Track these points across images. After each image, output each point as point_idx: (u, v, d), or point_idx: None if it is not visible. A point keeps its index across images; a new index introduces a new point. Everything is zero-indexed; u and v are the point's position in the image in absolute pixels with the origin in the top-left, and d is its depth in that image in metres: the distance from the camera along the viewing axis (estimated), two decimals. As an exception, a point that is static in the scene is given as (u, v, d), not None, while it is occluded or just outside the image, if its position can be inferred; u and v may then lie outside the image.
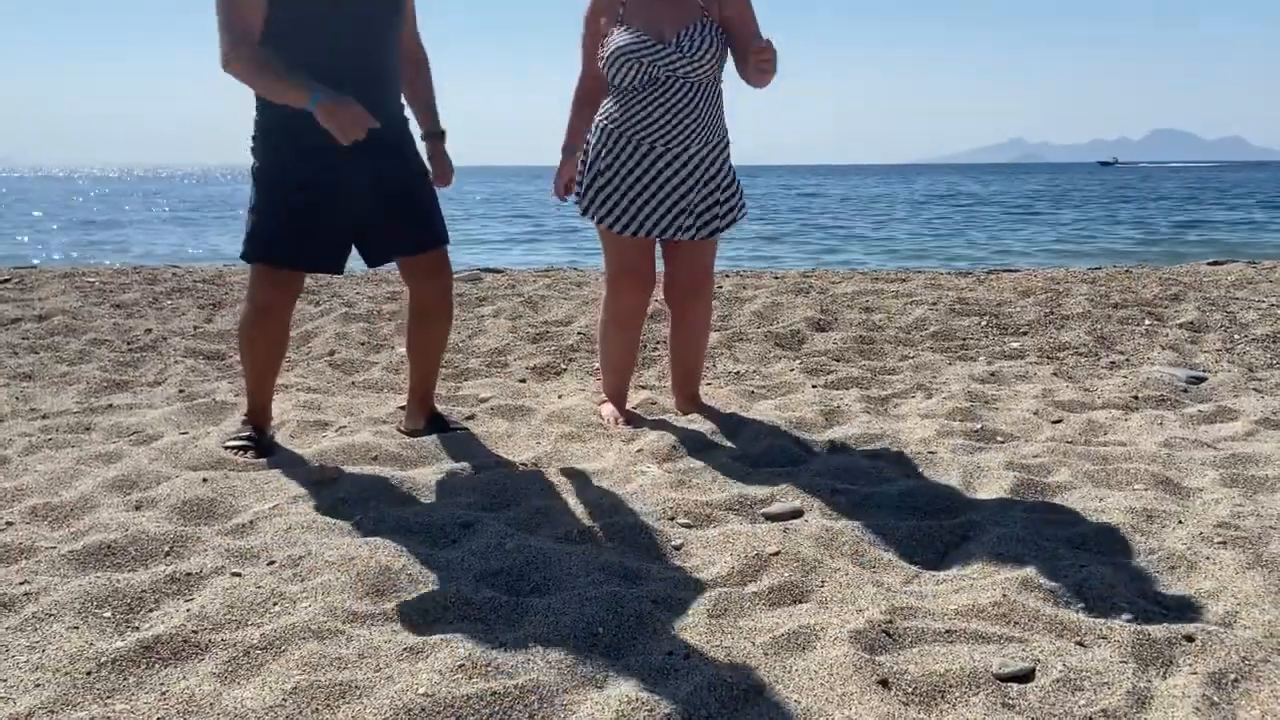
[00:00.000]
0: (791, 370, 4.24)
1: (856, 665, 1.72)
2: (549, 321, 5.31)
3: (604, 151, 3.09)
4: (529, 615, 1.93)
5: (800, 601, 2.03)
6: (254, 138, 2.80)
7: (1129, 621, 1.91)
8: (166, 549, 2.22)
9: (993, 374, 4.12)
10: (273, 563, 2.15)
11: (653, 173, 3.06)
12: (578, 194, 3.19)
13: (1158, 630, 1.87)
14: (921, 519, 2.49)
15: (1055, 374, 4.14)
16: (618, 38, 3.00)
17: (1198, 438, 3.18)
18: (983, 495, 2.65)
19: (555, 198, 3.19)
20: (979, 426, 3.28)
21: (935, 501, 2.60)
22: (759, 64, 2.83)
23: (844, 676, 1.70)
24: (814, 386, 3.92)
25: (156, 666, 1.73)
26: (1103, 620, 1.91)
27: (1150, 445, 3.08)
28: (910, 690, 1.68)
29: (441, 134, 3.08)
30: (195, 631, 1.83)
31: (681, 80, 2.99)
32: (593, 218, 3.15)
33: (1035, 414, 3.47)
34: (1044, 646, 1.81)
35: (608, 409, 3.38)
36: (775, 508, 2.53)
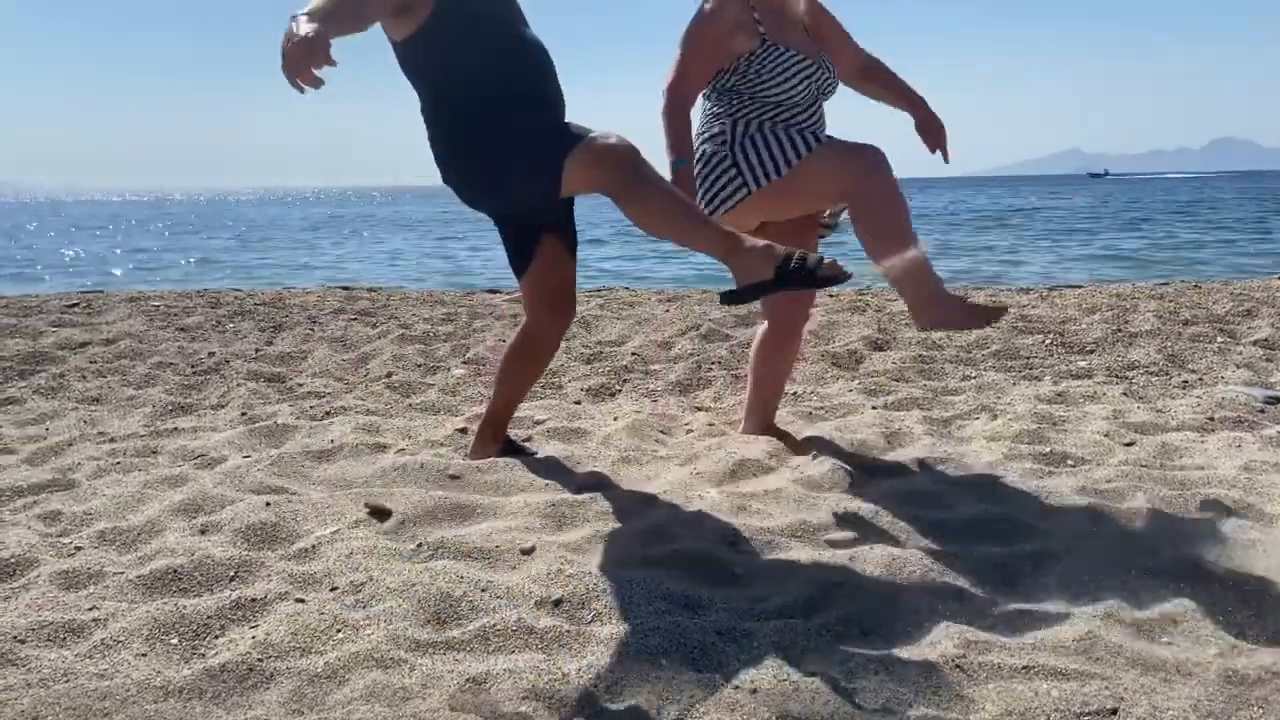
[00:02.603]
0: (850, 391, 4.17)
1: (931, 702, 1.67)
2: (602, 342, 5.30)
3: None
4: (591, 644, 1.90)
5: (868, 633, 1.98)
6: None
7: (1217, 657, 1.83)
8: (231, 574, 2.24)
9: (1060, 394, 4.01)
10: (335, 589, 2.15)
11: None
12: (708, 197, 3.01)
13: (1248, 666, 1.78)
14: (992, 546, 2.42)
15: (1125, 394, 4.02)
16: (785, 52, 2.93)
17: (1279, 461, 3.06)
18: (1055, 522, 2.56)
19: None
20: (1048, 449, 3.19)
21: (1005, 528, 2.53)
22: None
23: (918, 713, 1.65)
24: (874, 408, 3.85)
25: (223, 695, 1.74)
26: (1189, 656, 1.84)
27: (1229, 469, 2.97)
28: (988, 729, 1.62)
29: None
30: (260, 660, 1.83)
31: (818, 104, 3.04)
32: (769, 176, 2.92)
33: (1106, 436, 3.37)
34: (1128, 683, 1.74)
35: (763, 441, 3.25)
36: (839, 534, 2.48)
